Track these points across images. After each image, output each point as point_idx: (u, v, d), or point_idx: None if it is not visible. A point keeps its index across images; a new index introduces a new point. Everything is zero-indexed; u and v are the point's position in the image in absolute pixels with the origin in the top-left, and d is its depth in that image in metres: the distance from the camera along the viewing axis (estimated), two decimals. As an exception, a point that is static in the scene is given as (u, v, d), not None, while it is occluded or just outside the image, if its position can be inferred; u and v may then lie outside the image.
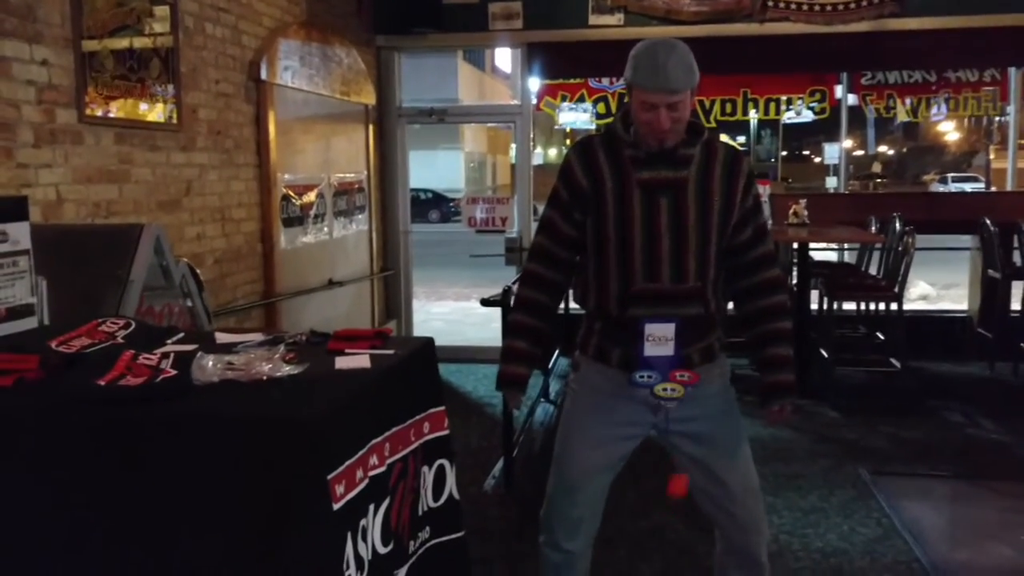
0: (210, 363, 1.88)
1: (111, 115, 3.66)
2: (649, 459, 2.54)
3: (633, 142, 2.29)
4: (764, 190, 6.19)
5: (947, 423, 5.23)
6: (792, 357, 2.40)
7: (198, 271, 3.62)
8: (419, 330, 7.78)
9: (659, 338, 2.26)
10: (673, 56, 2.18)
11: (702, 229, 2.27)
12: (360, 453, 1.80)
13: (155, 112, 4.00)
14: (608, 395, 2.38)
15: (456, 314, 9.64)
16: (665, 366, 2.27)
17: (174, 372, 1.84)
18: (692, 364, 2.32)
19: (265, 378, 1.86)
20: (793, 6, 6.52)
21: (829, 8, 6.50)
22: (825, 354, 5.98)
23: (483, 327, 8.12)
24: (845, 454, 4.64)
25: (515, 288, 2.58)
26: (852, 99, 7.37)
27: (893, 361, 5.92)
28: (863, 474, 4.34)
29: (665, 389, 2.28)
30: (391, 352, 2.12)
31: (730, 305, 2.49)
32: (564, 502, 2.44)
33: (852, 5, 6.48)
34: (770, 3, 6.53)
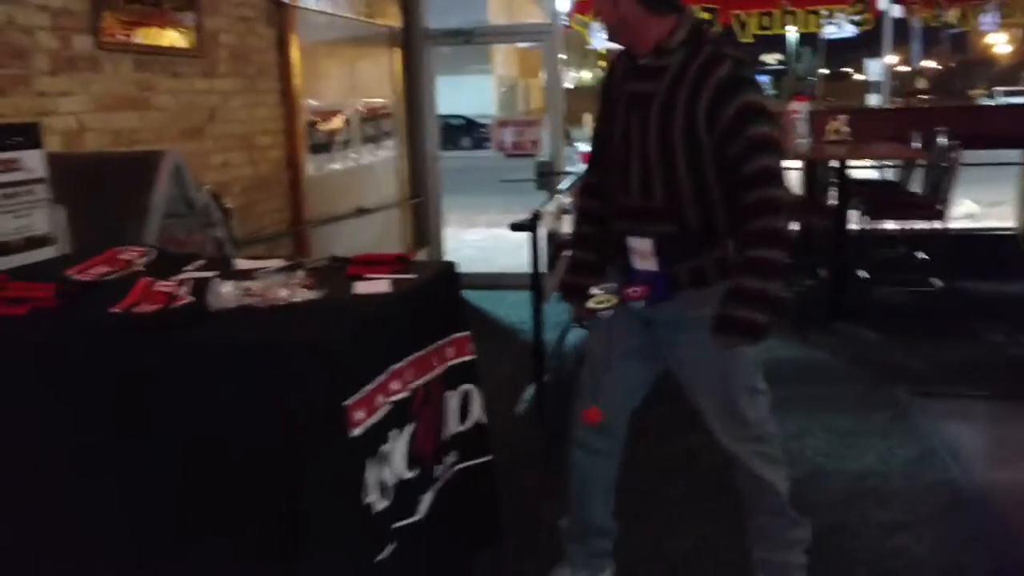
0: (227, 289, 1.85)
1: (129, 41, 3.59)
2: (673, 383, 2.48)
3: (631, 54, 2.24)
4: (803, 107, 5.99)
5: (989, 343, 5.11)
6: (764, 292, 2.09)
7: (224, 199, 3.58)
8: (451, 258, 7.73)
9: (642, 252, 2.22)
10: None
11: (663, 147, 2.15)
12: (380, 379, 1.77)
13: (174, 38, 3.92)
14: None
15: (488, 241, 9.57)
16: (650, 280, 2.21)
17: (190, 299, 1.82)
18: (680, 286, 2.22)
19: (283, 304, 1.83)
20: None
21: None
22: (863, 274, 5.85)
23: (515, 254, 8.01)
24: (883, 376, 4.55)
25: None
26: (897, 11, 7.05)
27: (934, 280, 5.77)
28: (901, 395, 4.26)
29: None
30: (412, 277, 2.08)
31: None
32: (589, 393, 2.41)
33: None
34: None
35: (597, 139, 2.44)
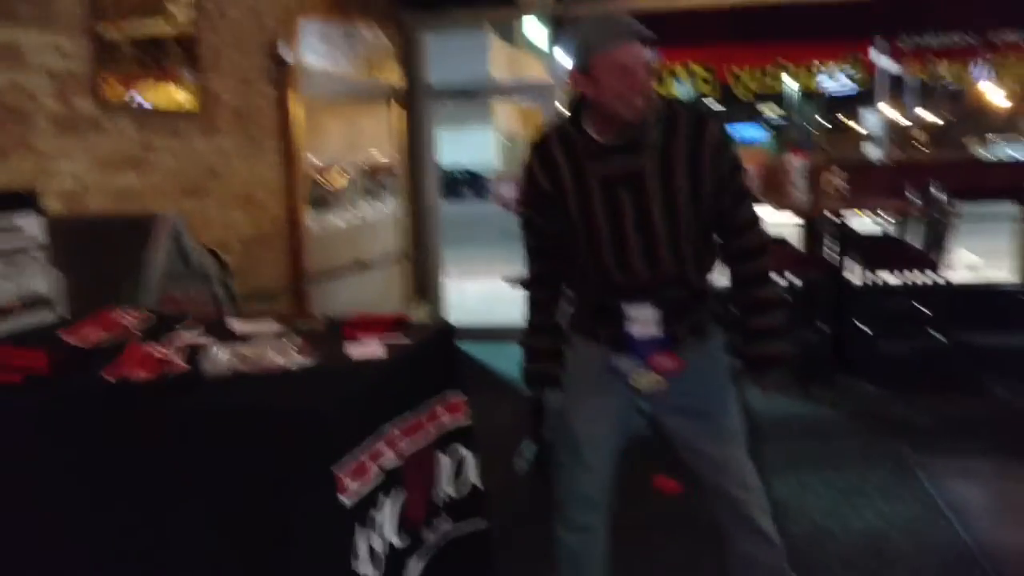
0: (220, 355, 1.85)
1: (129, 101, 3.64)
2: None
3: (586, 135, 2.17)
4: (801, 161, 6.02)
5: (993, 398, 5.07)
6: (779, 327, 2.30)
7: (224, 257, 3.60)
8: (453, 310, 7.74)
9: (643, 321, 2.22)
10: (621, 15, 2.10)
11: (670, 218, 2.15)
12: (372, 444, 1.76)
13: (175, 97, 3.98)
14: (598, 370, 2.32)
15: (491, 293, 9.58)
16: (650, 348, 2.22)
17: (184, 366, 1.81)
18: (679, 341, 2.25)
19: (276, 370, 1.83)
20: (827, -31, 6.32)
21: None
22: (866, 328, 5.84)
23: (517, 305, 8.03)
24: (885, 431, 4.52)
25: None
26: (890, 65, 7.14)
27: (937, 334, 5.75)
28: (904, 452, 4.22)
29: (641, 380, 2.24)
30: (407, 340, 2.07)
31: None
32: (572, 474, 2.38)
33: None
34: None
35: (546, 225, 2.31)
